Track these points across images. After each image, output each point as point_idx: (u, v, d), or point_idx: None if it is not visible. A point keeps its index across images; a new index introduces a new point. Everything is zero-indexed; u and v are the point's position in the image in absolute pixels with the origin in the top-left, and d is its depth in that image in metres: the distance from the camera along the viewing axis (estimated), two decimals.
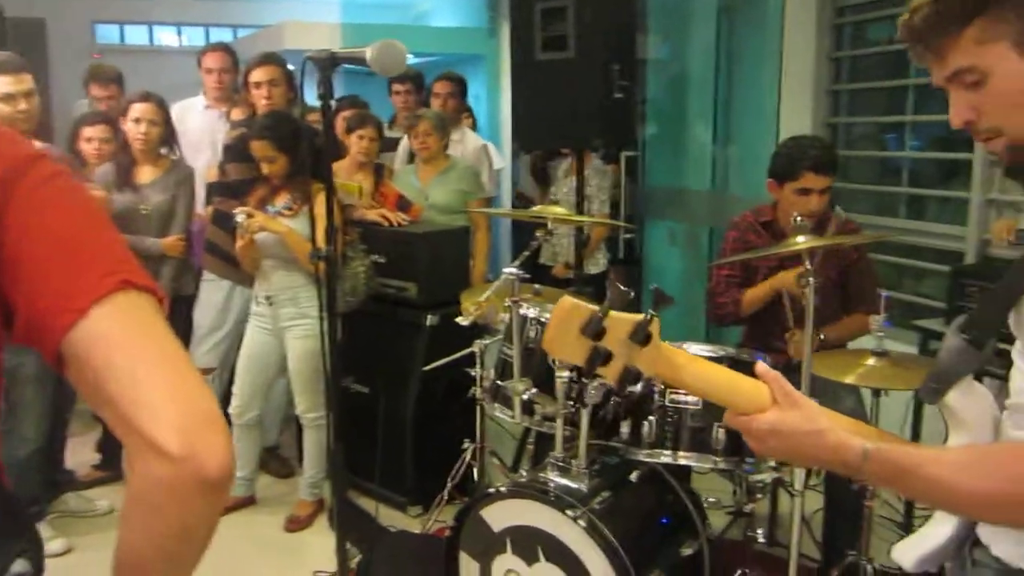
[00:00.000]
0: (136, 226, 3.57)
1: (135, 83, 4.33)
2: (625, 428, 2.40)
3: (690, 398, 2.32)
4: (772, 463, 2.32)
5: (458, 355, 3.02)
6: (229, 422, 3.47)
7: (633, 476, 2.40)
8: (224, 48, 4.29)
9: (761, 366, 1.12)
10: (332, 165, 3.06)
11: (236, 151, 3.62)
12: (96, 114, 3.96)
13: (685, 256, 4.64)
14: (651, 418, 2.35)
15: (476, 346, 2.88)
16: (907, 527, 3.10)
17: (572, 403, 2.38)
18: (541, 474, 2.40)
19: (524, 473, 2.51)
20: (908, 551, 1.28)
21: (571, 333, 1.11)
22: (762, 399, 1.13)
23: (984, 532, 1.21)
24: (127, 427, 0.75)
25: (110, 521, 3.42)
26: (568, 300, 1.12)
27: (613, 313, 1.11)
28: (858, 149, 4.27)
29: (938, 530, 1.25)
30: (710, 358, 2.36)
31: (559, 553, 2.23)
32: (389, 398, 3.45)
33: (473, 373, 2.87)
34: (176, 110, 4.14)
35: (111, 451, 3.73)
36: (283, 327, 3.32)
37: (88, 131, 3.75)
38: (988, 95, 1.10)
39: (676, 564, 2.32)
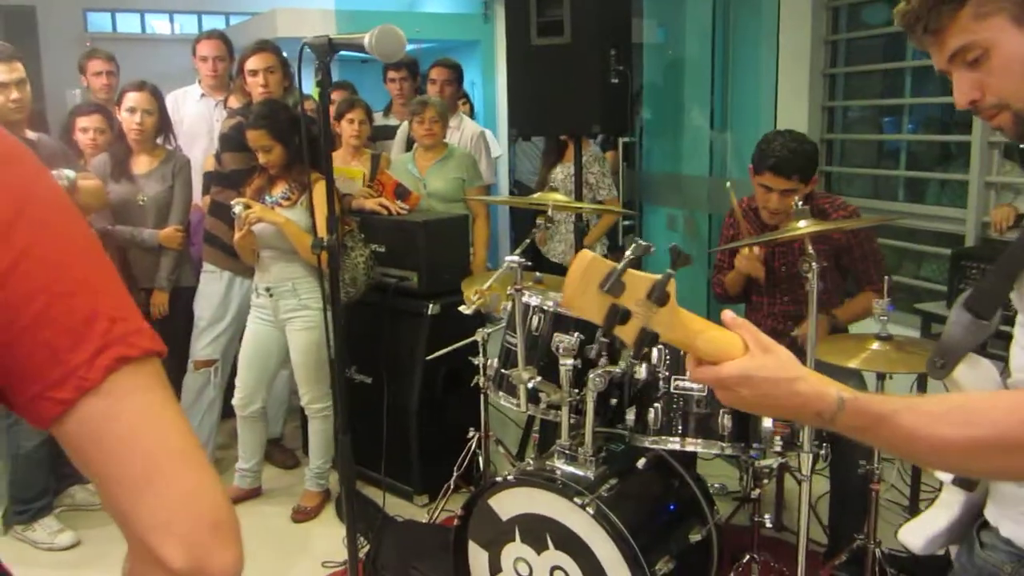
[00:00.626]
0: (133, 217, 3.56)
1: (127, 71, 4.29)
2: (631, 415, 2.40)
3: (696, 385, 2.32)
4: (778, 448, 2.33)
5: (461, 344, 3.01)
6: (233, 414, 3.47)
7: (640, 463, 2.40)
8: (219, 36, 4.25)
9: (728, 314, 1.08)
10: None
11: (232, 140, 3.60)
12: (91, 104, 3.94)
13: (685, 242, 4.63)
14: (656, 405, 2.36)
15: (479, 335, 2.88)
16: (913, 510, 3.12)
17: (577, 391, 2.39)
18: (548, 462, 2.41)
19: (531, 462, 2.51)
20: (915, 533, 1.29)
21: (590, 288, 1.08)
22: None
23: (992, 513, 1.21)
24: (127, 531, 0.69)
25: None
26: (587, 253, 1.09)
27: (631, 271, 1.09)
28: (855, 132, 4.26)
29: (945, 512, 1.26)
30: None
31: (568, 541, 2.24)
32: (392, 388, 3.45)
33: (476, 362, 2.87)
34: (171, 99, 4.12)
35: None
36: (284, 319, 3.31)
37: (83, 121, 3.73)
38: (991, 70, 1.10)
39: (685, 550, 2.32)
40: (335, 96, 4.08)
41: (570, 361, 2.36)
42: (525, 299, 2.53)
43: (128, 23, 7.18)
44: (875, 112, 4.21)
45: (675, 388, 2.35)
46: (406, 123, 4.19)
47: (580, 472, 2.33)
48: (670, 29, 4.67)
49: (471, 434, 3.06)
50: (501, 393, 2.66)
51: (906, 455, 1.14)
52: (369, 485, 3.47)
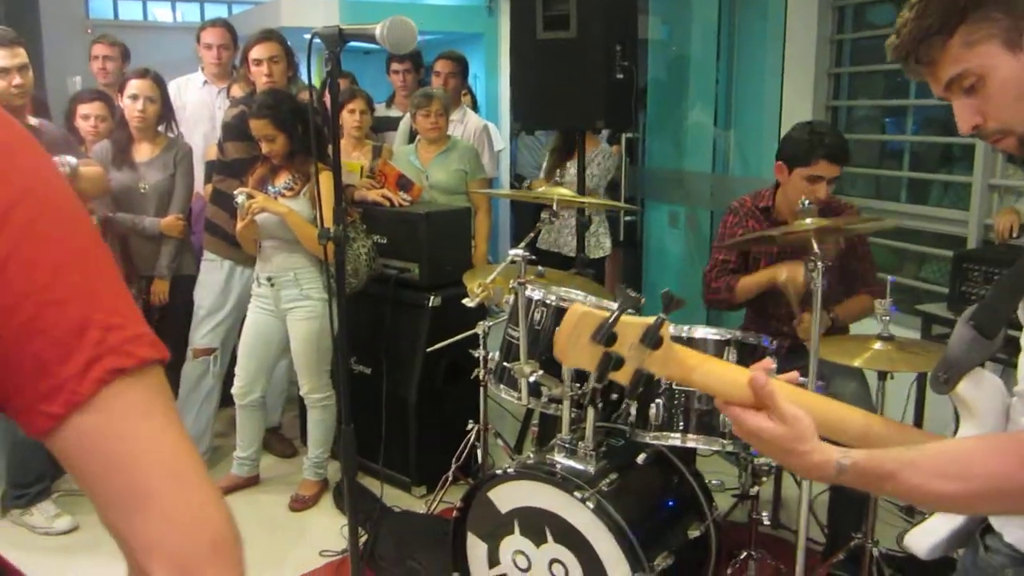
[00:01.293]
0: (134, 205, 3.55)
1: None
2: (632, 410, 2.40)
3: None
4: None
5: (461, 336, 3.01)
6: (231, 402, 3.47)
7: (640, 458, 2.40)
8: (224, 24, 4.25)
9: (755, 379, 1.08)
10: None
11: (235, 129, 3.59)
12: (92, 91, 3.92)
13: (686, 239, 4.64)
14: (658, 401, 2.36)
15: (479, 327, 2.88)
16: (911, 511, 3.12)
17: (579, 385, 2.39)
18: (548, 456, 2.41)
19: (531, 455, 2.51)
20: (921, 538, 1.29)
21: (582, 340, 1.11)
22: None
23: (996, 519, 1.22)
24: (123, 548, 0.67)
25: None
26: (578, 307, 1.12)
27: (624, 318, 1.10)
28: (859, 132, 4.26)
29: (950, 518, 1.26)
30: (716, 342, 2.38)
31: (567, 534, 2.24)
32: (392, 379, 3.45)
33: (476, 354, 2.87)
34: (173, 86, 4.11)
35: None
36: (285, 308, 3.31)
37: (84, 108, 3.72)
38: (988, 97, 1.11)
39: (683, 546, 2.33)
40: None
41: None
42: (528, 293, 2.53)
43: (130, 10, 7.15)
44: (878, 112, 4.21)
45: (677, 385, 2.35)
46: (408, 115, 4.18)
47: (580, 466, 2.33)
48: (675, 26, 4.67)
49: (470, 426, 3.07)
50: (502, 386, 2.66)
51: (911, 503, 1.21)
52: (367, 475, 3.48)
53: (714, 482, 2.58)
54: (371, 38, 1.95)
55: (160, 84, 3.60)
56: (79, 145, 3.58)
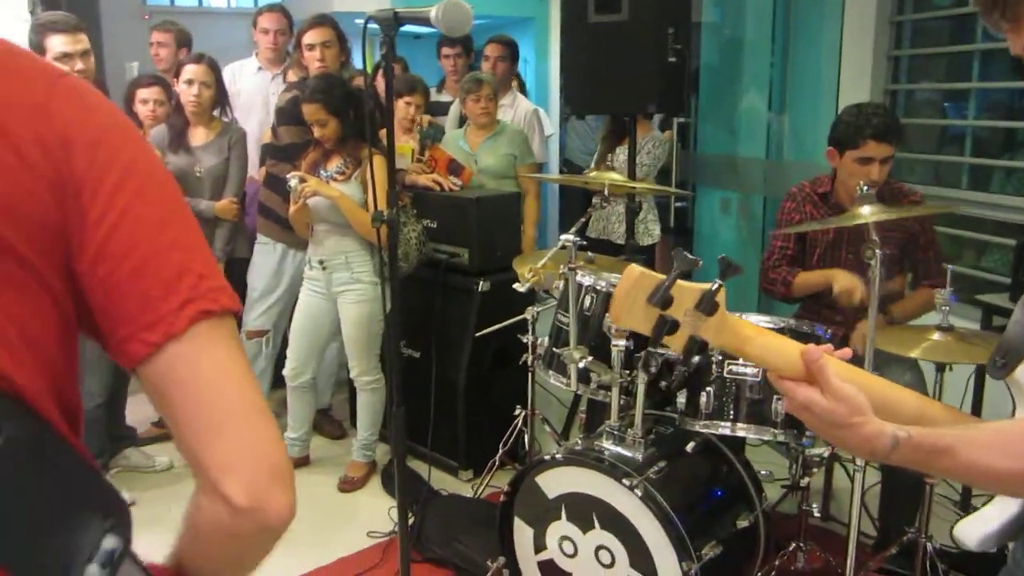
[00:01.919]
0: (190, 188, 3.61)
1: None
2: (681, 398, 2.38)
3: (749, 369, 2.30)
4: None
5: (510, 321, 3.01)
6: (283, 384, 3.52)
7: (689, 447, 2.39)
8: (281, 9, 4.30)
9: (808, 352, 1.07)
10: (381, 130, 3.07)
11: (288, 114, 3.63)
12: (150, 76, 4.00)
13: (738, 225, 4.57)
14: (709, 389, 2.34)
15: (528, 313, 2.88)
16: (965, 507, 3.06)
17: (628, 372, 2.38)
18: (596, 442, 2.41)
19: (579, 441, 2.51)
20: (971, 530, 1.26)
21: (638, 302, 1.11)
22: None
23: None
24: (196, 467, 0.76)
25: (170, 477, 3.51)
26: (635, 268, 1.12)
27: (680, 282, 1.10)
28: (918, 117, 4.15)
29: (1002, 509, 1.23)
30: (770, 330, 2.34)
31: (614, 521, 2.24)
32: (441, 363, 3.47)
33: (525, 340, 2.87)
34: (228, 72, 4.16)
35: None
36: (336, 291, 3.35)
37: (143, 93, 3.79)
38: None
39: (731, 535, 2.31)
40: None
41: (622, 342, 2.34)
42: (578, 278, 2.52)
43: None
44: (939, 96, 4.09)
45: (728, 372, 2.32)
46: (459, 100, 4.18)
47: (629, 453, 2.32)
48: (729, 8, 4.58)
49: (517, 411, 3.07)
50: (551, 372, 2.66)
51: (971, 484, 1.17)
52: (415, 459, 3.51)
53: (763, 472, 2.54)
54: (426, 21, 1.94)
55: (215, 69, 3.65)
56: (138, 129, 3.65)
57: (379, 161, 2.89)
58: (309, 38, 3.67)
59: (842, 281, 2.61)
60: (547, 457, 2.38)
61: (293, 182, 3.18)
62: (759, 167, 4.33)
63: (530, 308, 2.87)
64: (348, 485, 3.46)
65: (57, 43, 3.15)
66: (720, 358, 2.33)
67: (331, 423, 4.03)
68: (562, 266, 2.55)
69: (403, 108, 3.82)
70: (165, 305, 0.74)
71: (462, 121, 4.23)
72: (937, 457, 1.06)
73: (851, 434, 1.06)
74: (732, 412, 2.33)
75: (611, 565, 2.26)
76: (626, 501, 2.21)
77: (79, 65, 3.19)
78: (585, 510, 2.30)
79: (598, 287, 2.51)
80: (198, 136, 3.66)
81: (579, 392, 2.60)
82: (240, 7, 7.05)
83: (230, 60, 4.34)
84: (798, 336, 2.32)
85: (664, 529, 2.14)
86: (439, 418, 3.43)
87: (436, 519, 3.05)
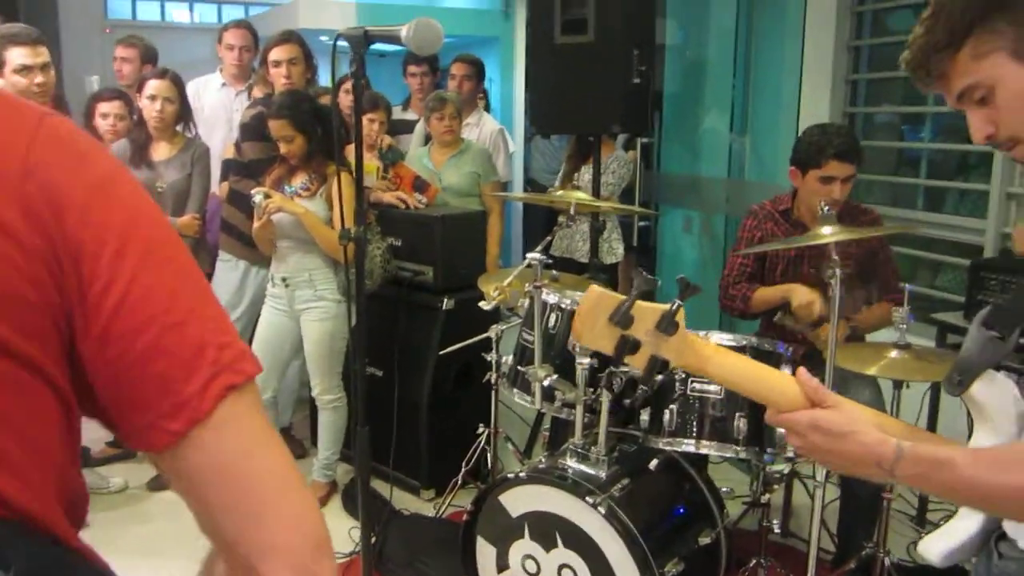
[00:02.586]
0: None
1: None
2: (645, 416, 2.40)
3: (711, 387, 2.32)
4: (791, 453, 2.32)
5: (474, 340, 3.01)
6: None
7: (652, 464, 2.40)
8: (246, 25, 4.28)
9: (802, 373, 1.12)
10: (346, 147, 3.06)
11: (253, 130, 3.61)
12: (111, 90, 3.96)
13: (700, 244, 4.62)
14: (672, 407, 2.35)
15: (492, 331, 2.88)
16: (921, 521, 3.10)
17: (593, 390, 2.38)
18: (560, 460, 2.41)
19: (543, 459, 2.51)
20: (935, 545, 1.29)
21: (600, 321, 1.14)
22: (792, 390, 1.14)
23: (1010, 526, 1.22)
24: (231, 551, 0.71)
25: (124, 498, 3.43)
26: (596, 289, 1.14)
27: (640, 302, 1.12)
28: (876, 139, 4.24)
29: (965, 524, 1.25)
30: (732, 348, 2.36)
31: (577, 539, 2.24)
32: (404, 382, 3.45)
33: (489, 358, 2.87)
34: (192, 87, 4.13)
35: None
36: (299, 309, 3.32)
37: (103, 107, 3.75)
38: (998, 107, 1.13)
39: (693, 552, 2.32)
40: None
41: (586, 360, 2.35)
42: (544, 297, 2.53)
43: (148, 11, 7.20)
44: (896, 119, 4.19)
45: (692, 390, 2.34)
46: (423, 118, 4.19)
47: (592, 471, 2.33)
48: (692, 30, 4.65)
49: (480, 430, 3.06)
50: (515, 390, 2.66)
51: (965, 501, 1.18)
52: (377, 478, 3.47)
53: (724, 489, 2.56)
54: (397, 40, 1.94)
55: (178, 85, 3.62)
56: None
57: (347, 178, 2.88)
58: (275, 55, 3.66)
59: (800, 295, 2.65)
60: (510, 475, 2.38)
61: (257, 198, 3.15)
62: (721, 187, 4.39)
63: (494, 326, 2.88)
64: None
65: (17, 55, 3.11)
66: (684, 376, 2.35)
67: (292, 442, 3.97)
68: (527, 284, 2.56)
69: (366, 125, 3.82)
70: (187, 388, 0.67)
71: (427, 139, 4.24)
72: (938, 469, 1.07)
73: (854, 444, 1.08)
74: (695, 429, 2.35)
75: None
76: (589, 519, 2.21)
77: (39, 78, 3.15)
78: (548, 528, 2.29)
79: (563, 305, 2.52)
80: (160, 151, 3.62)
81: (544, 410, 2.60)
82: (204, 23, 7.01)
83: (193, 75, 4.31)
84: (760, 354, 2.36)
85: (627, 547, 2.14)
86: (401, 437, 3.41)
87: (398, 539, 3.02)
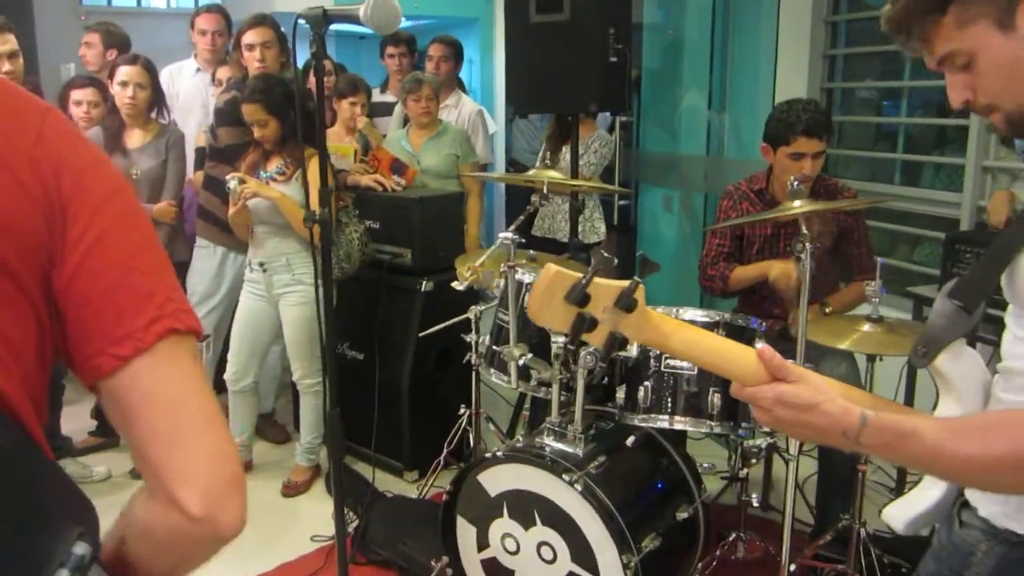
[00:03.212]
0: None
1: None
2: (621, 393, 2.41)
3: (686, 364, 2.33)
4: (767, 429, 2.34)
5: (453, 321, 3.01)
6: (224, 389, 3.47)
7: (629, 441, 2.41)
8: (219, 10, 4.23)
9: (764, 351, 1.11)
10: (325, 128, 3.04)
11: (228, 115, 3.58)
12: (85, 77, 3.92)
13: (680, 222, 4.63)
14: (647, 383, 2.36)
15: (471, 312, 2.87)
16: (899, 492, 3.13)
17: (567, 369, 2.39)
18: (537, 439, 2.41)
19: (520, 438, 2.51)
20: (898, 513, 1.30)
21: (556, 300, 1.12)
22: (754, 364, 1.13)
23: (972, 494, 1.24)
24: (153, 477, 0.79)
25: (107, 487, 3.43)
26: (551, 268, 1.13)
27: (598, 280, 1.11)
28: (853, 114, 4.24)
29: (928, 493, 1.26)
30: (705, 324, 2.38)
31: (555, 517, 2.25)
32: (384, 364, 3.45)
33: (468, 339, 2.87)
34: (166, 73, 4.10)
35: (106, 418, 3.73)
36: (277, 294, 3.31)
37: (77, 94, 3.71)
38: (979, 74, 1.12)
39: (671, 527, 2.34)
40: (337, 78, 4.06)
41: (561, 339, 2.36)
42: (518, 276, 2.53)
43: None
44: (876, 94, 4.19)
45: (665, 367, 2.35)
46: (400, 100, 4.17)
47: (569, 449, 2.34)
48: (670, 9, 4.63)
49: (462, 411, 3.07)
50: (492, 370, 2.66)
51: (929, 470, 1.18)
52: (359, 461, 3.49)
53: (705, 465, 2.58)
54: (355, 19, 1.93)
55: (150, 70, 3.59)
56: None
57: (315, 160, 2.87)
58: (249, 38, 3.63)
59: (776, 267, 2.68)
60: (488, 455, 2.38)
61: (232, 183, 3.14)
62: (700, 165, 4.39)
63: (473, 308, 2.87)
64: (292, 489, 3.42)
65: None
66: (658, 353, 2.36)
67: (274, 427, 3.98)
68: (502, 264, 2.56)
69: (347, 109, 3.80)
70: (136, 321, 0.79)
71: (406, 121, 4.22)
72: (902, 440, 1.07)
73: (819, 415, 1.08)
74: (670, 405, 2.36)
75: (553, 561, 2.27)
76: (567, 497, 2.22)
77: (6, 67, 3.12)
78: (527, 507, 2.30)
79: None
80: (134, 138, 3.59)
81: (520, 389, 2.61)
82: (180, 7, 6.92)
83: (170, 61, 4.27)
84: (732, 329, 2.37)
85: (604, 523, 2.15)
86: (383, 419, 3.42)
87: (380, 521, 3.03)
